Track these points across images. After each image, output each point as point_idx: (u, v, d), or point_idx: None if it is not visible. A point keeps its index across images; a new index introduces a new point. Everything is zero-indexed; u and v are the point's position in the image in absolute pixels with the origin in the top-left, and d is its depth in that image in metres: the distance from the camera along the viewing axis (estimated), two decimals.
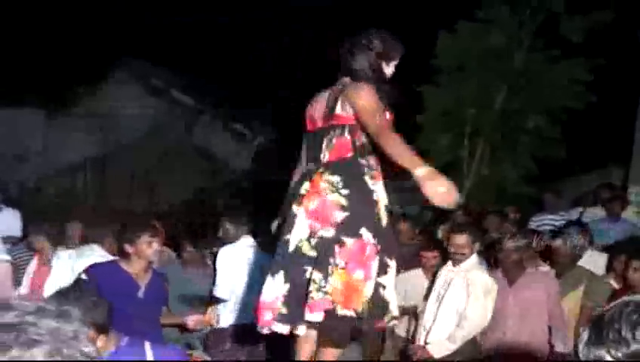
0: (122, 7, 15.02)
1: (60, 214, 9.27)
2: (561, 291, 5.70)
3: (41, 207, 11.31)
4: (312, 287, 3.41)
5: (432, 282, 5.82)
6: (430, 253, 6.17)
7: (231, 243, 6.04)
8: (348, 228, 3.48)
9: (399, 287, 5.81)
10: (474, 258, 5.55)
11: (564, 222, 8.07)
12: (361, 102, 3.52)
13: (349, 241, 3.46)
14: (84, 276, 4.71)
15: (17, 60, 14.22)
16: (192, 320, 5.17)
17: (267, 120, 14.77)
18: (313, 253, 3.48)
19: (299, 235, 3.51)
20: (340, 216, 3.47)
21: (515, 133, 10.90)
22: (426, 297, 5.76)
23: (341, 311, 3.41)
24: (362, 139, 3.58)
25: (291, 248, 3.51)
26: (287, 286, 3.49)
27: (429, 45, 10.60)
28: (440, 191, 3.18)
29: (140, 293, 4.74)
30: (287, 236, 3.53)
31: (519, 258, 5.63)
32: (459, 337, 5.26)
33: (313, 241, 3.49)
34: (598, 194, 8.94)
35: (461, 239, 5.49)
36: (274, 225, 3.85)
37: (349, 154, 3.56)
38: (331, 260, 3.44)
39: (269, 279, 3.53)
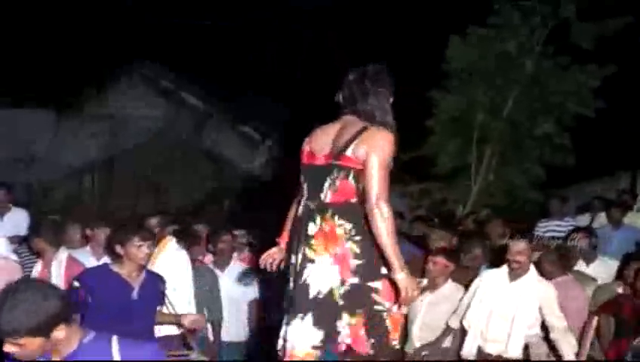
0: (130, 9, 15.05)
1: (67, 216, 9.28)
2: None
3: (48, 209, 11.32)
4: (349, 333, 3.50)
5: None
6: (442, 260, 6.00)
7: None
8: (371, 273, 3.51)
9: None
10: (533, 269, 5.49)
11: (570, 227, 8.10)
12: (379, 155, 3.39)
13: (378, 285, 3.51)
14: (76, 283, 4.68)
15: (25, 62, 14.25)
16: (188, 319, 5.12)
17: (277, 123, 14.76)
18: (342, 302, 3.49)
19: (329, 282, 3.48)
20: (355, 263, 3.48)
21: (524, 140, 10.87)
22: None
23: (397, 345, 3.61)
24: None
25: (322, 294, 3.49)
26: (321, 333, 3.49)
27: (439, 50, 10.60)
28: (411, 295, 3.43)
29: (134, 294, 4.69)
30: (310, 279, 3.50)
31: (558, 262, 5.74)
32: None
33: (342, 289, 3.48)
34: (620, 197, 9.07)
35: (519, 247, 5.40)
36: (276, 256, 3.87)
37: (354, 200, 3.49)
38: (376, 307, 3.51)
39: (296, 322, 3.52)
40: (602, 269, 6.38)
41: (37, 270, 6.04)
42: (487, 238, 7.12)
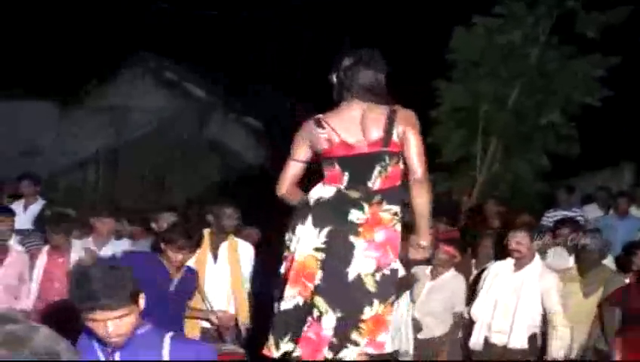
0: (134, 1, 15.04)
1: (72, 207, 9.29)
2: (585, 291, 5.74)
3: (53, 201, 11.33)
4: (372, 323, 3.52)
5: (476, 281, 5.84)
6: (451, 249, 6.05)
7: None
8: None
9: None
10: (538, 260, 5.50)
11: (580, 218, 8.12)
12: (418, 132, 3.59)
13: (401, 270, 3.71)
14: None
15: (30, 53, 14.25)
16: (217, 315, 5.23)
17: (281, 113, 14.72)
18: (374, 289, 3.51)
19: (360, 268, 3.50)
20: (399, 244, 3.60)
21: (529, 130, 10.83)
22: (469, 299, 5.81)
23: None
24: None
25: (349, 279, 3.51)
26: (338, 315, 3.51)
27: (444, 40, 10.56)
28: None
29: (172, 287, 4.87)
30: (342, 266, 3.51)
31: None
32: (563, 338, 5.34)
33: (378, 276, 3.51)
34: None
35: (518, 236, 5.47)
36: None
37: (398, 183, 3.61)
38: (393, 291, 3.60)
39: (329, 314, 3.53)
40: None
41: (43, 261, 6.06)
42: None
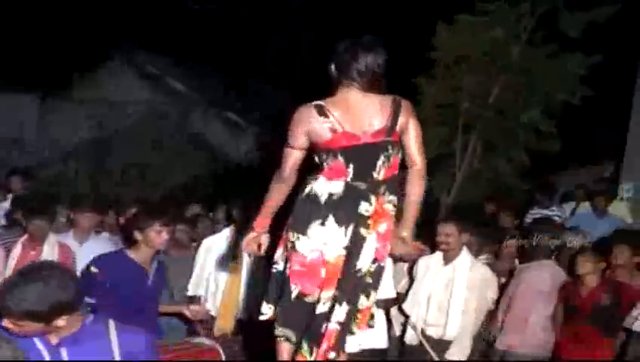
0: None
1: (52, 200, 9.25)
2: None
3: (34, 193, 11.27)
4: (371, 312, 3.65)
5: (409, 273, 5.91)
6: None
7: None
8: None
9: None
10: (466, 252, 5.55)
11: (557, 217, 8.17)
12: (418, 126, 3.64)
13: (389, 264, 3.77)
14: (93, 269, 4.67)
15: (13, 46, 14.16)
16: (190, 309, 5.19)
17: (262, 109, 14.71)
18: (370, 280, 3.57)
19: (365, 260, 3.53)
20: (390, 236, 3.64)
21: (510, 127, 10.86)
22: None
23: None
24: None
25: (359, 274, 3.53)
26: (346, 308, 3.53)
27: (426, 37, 10.56)
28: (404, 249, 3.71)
29: (149, 282, 4.76)
30: (355, 260, 3.52)
31: None
32: (468, 337, 5.40)
33: (374, 267, 3.56)
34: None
35: (447, 228, 5.54)
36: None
37: (396, 172, 3.62)
38: (379, 284, 3.67)
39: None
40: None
41: (17, 251, 6.01)
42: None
